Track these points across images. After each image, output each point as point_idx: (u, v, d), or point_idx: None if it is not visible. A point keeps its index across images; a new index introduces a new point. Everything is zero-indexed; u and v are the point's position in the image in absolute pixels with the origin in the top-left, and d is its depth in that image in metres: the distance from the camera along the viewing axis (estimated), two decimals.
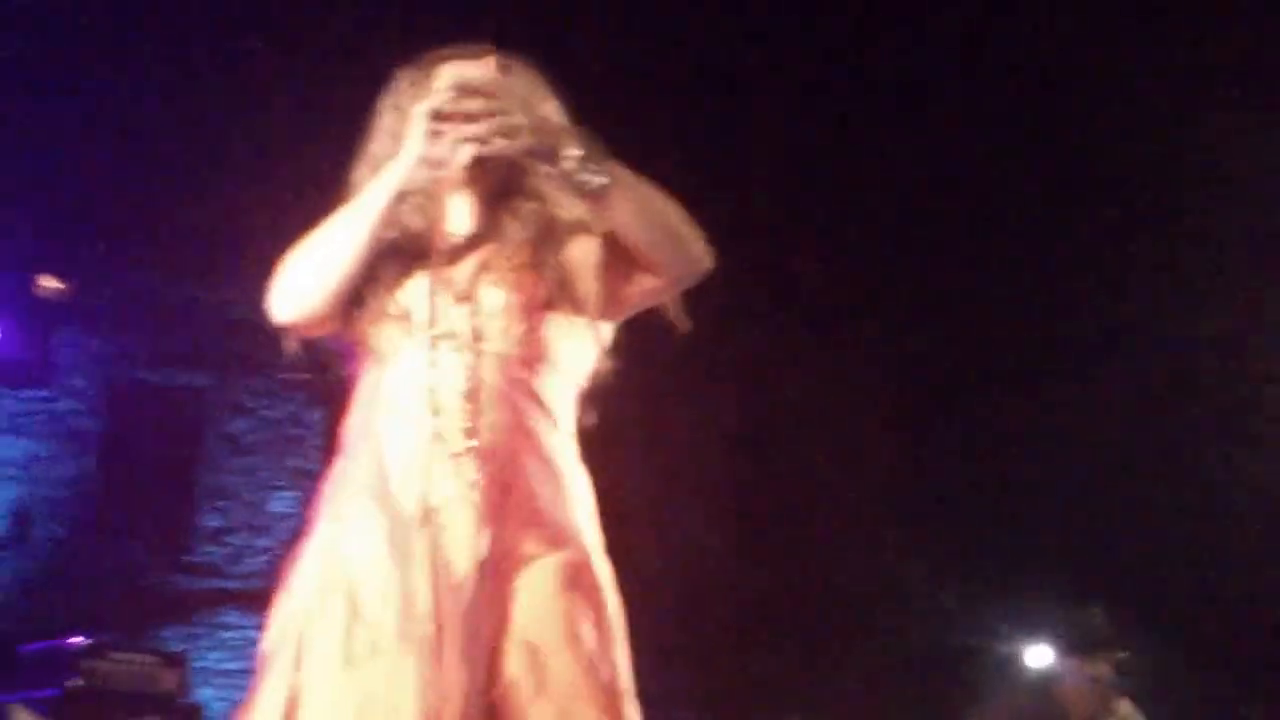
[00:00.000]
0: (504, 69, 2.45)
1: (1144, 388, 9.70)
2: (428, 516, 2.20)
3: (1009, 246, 9.27)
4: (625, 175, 2.34)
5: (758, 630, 9.62)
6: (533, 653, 2.16)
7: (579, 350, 2.41)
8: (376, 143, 2.42)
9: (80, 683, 6.02)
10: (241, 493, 9.77)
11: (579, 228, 2.41)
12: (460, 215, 2.44)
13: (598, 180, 2.27)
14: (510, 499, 2.24)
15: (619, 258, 2.39)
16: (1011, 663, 8.48)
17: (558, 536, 2.26)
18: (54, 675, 6.05)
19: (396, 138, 2.34)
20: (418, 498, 2.22)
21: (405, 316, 2.31)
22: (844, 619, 9.76)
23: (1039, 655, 7.87)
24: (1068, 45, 8.36)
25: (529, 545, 2.22)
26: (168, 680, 6.44)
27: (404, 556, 2.19)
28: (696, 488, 9.38)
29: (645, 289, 2.41)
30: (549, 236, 2.39)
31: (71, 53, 8.03)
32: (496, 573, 2.19)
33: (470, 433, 2.23)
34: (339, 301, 2.33)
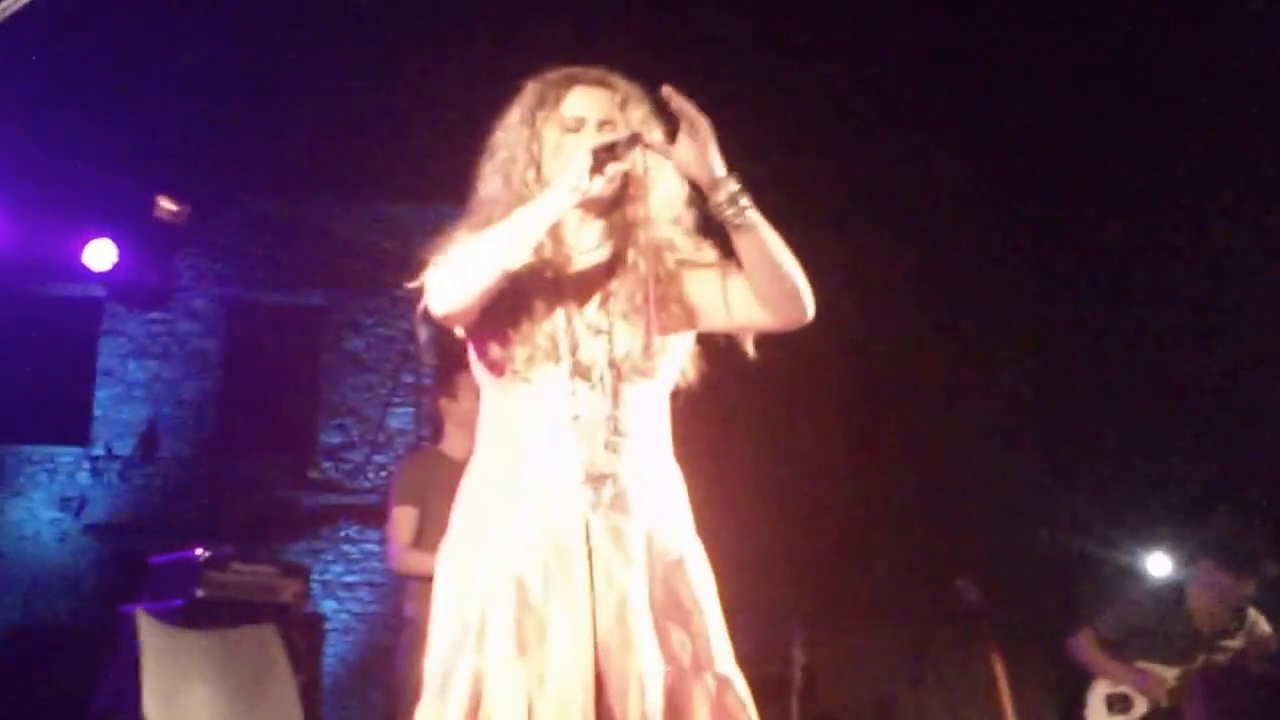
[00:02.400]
0: (623, 103, 2.58)
1: None
2: (586, 527, 2.42)
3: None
4: (761, 218, 2.44)
5: (879, 539, 9.55)
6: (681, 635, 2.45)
7: (677, 363, 2.61)
8: (505, 150, 2.56)
9: (205, 593, 6.17)
10: (360, 409, 9.89)
11: (698, 263, 2.57)
12: (585, 243, 2.61)
13: (747, 217, 2.38)
14: (642, 506, 2.48)
15: (733, 295, 2.53)
16: (1132, 571, 8.29)
17: (675, 534, 2.52)
18: (180, 585, 6.20)
19: (529, 153, 2.52)
20: (573, 512, 2.44)
21: (551, 346, 2.50)
22: (965, 527, 9.64)
23: (1159, 564, 7.69)
24: None
25: (660, 539, 2.48)
26: (289, 590, 6.56)
27: (565, 556, 2.42)
28: (820, 400, 9.29)
29: (755, 326, 2.56)
30: (670, 270, 2.55)
31: None
32: (645, 563, 2.45)
33: (611, 457, 2.46)
34: (481, 306, 2.49)
